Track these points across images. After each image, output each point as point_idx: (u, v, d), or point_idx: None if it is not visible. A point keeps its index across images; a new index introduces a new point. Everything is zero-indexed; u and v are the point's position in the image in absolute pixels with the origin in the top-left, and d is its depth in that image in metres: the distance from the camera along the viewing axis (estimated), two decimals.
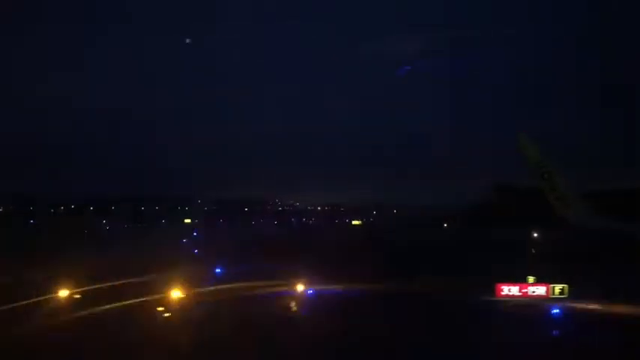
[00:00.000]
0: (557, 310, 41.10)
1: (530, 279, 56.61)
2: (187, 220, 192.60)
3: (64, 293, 48.16)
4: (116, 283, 52.48)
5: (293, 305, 45.55)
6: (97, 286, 50.82)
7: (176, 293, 48.32)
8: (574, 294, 52.19)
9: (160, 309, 44.12)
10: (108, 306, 44.10)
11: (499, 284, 52.38)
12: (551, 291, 52.36)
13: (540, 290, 52.50)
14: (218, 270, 60.02)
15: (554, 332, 37.74)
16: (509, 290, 52.31)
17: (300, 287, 49.32)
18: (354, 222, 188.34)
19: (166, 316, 42.53)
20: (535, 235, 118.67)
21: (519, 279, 54.61)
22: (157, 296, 48.12)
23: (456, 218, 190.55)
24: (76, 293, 49.57)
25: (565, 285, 52.88)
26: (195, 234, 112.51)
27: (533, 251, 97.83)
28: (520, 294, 52.16)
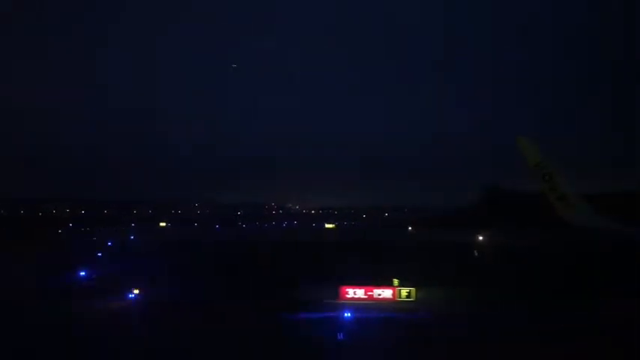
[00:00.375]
0: (349, 314, 39.33)
1: (395, 282, 55.19)
2: (162, 224, 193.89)
3: None
4: None
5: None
6: None
7: None
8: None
9: None
10: None
11: (343, 287, 50.79)
12: (397, 294, 50.72)
13: (386, 293, 50.77)
14: (82, 273, 59.67)
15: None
16: (354, 293, 50.66)
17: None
18: (327, 225, 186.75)
19: None
20: (480, 238, 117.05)
21: (388, 282, 53.20)
22: None
23: (428, 221, 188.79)
24: None
25: (412, 288, 51.22)
26: (131, 237, 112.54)
27: (476, 254, 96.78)
28: (366, 297, 50.53)
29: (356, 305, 47.23)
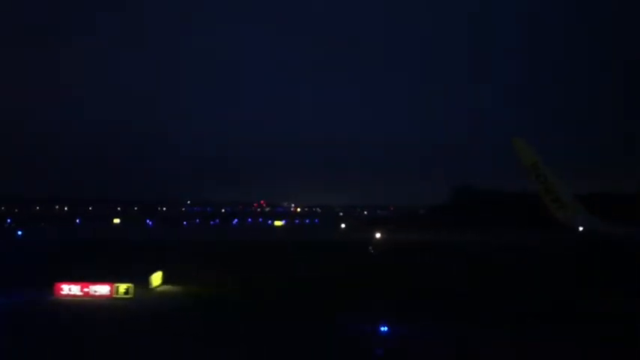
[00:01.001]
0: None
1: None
2: (116, 220, 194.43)
3: None
4: None
5: None
6: None
7: None
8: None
9: None
10: None
11: (59, 283, 48.29)
12: (115, 291, 48.08)
13: (104, 290, 48.00)
14: None
15: None
16: (70, 289, 47.94)
17: None
18: (276, 222, 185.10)
19: None
20: (378, 235, 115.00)
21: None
22: None
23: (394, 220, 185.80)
24: None
25: (130, 285, 48.38)
26: (19, 233, 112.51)
27: (371, 250, 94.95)
28: (82, 293, 48.02)
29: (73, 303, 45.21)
